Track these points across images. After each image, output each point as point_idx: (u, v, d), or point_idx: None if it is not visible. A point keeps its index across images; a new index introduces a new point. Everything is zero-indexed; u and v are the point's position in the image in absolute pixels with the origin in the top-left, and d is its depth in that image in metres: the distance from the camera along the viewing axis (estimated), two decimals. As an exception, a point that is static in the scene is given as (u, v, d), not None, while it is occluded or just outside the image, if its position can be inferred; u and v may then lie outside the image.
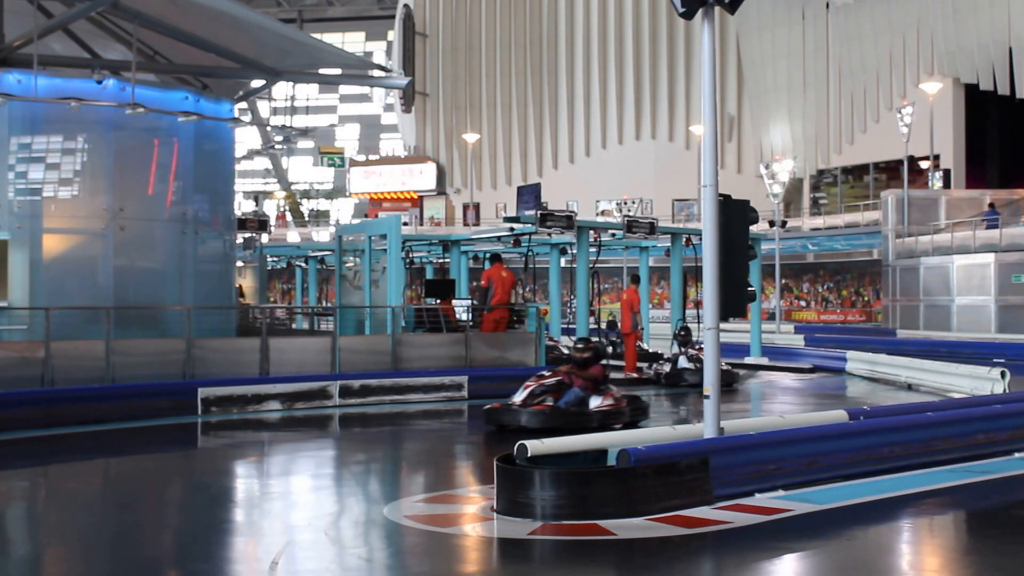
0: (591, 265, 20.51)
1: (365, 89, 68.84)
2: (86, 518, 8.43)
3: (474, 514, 8.10)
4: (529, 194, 41.78)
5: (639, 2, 57.80)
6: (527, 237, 20.33)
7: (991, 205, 35.79)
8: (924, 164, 44.84)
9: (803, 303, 51.47)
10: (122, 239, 16.32)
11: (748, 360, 23.06)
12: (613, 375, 19.76)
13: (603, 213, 54.33)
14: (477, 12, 60.30)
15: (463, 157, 60.07)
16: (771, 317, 38.47)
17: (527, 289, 27.62)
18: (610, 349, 22.97)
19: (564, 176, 58.66)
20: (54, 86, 15.53)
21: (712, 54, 8.70)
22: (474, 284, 19.36)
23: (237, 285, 20.94)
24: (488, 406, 13.26)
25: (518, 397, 12.98)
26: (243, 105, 23.06)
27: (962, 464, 10.03)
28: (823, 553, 7.12)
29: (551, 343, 22.02)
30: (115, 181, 16.35)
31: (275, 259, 34.65)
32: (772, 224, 36.74)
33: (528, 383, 13.13)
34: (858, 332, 36.62)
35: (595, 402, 13.08)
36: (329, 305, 28.35)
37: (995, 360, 21.52)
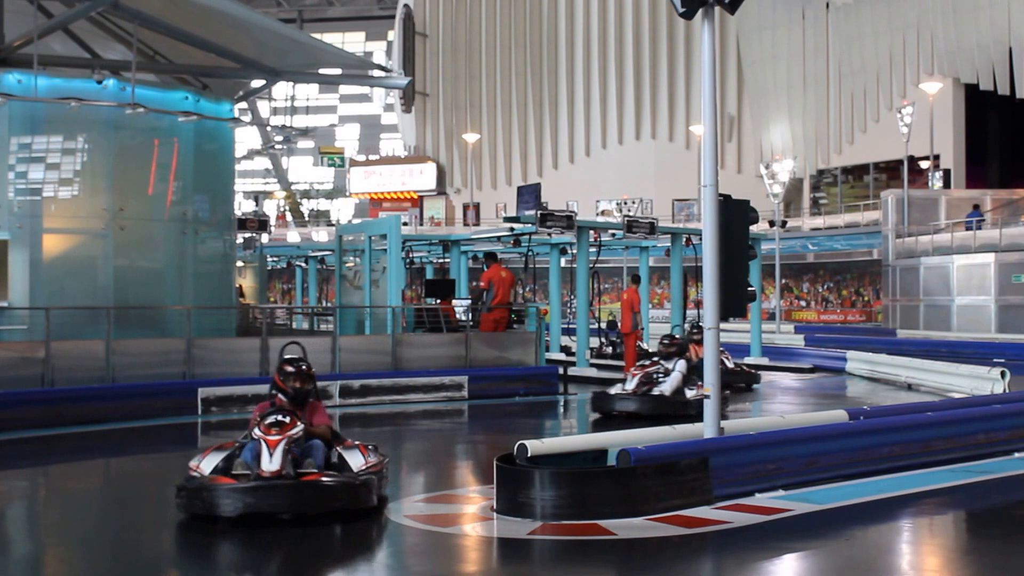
0: (591, 265, 20.55)
1: (365, 89, 68.82)
2: (86, 518, 8.43)
3: (474, 514, 8.09)
4: (529, 194, 41.73)
5: (639, 2, 57.75)
6: (527, 237, 20.34)
7: (975, 207, 35.77)
8: (924, 164, 44.78)
9: (803, 303, 51.39)
10: (122, 239, 16.27)
11: (748, 360, 22.95)
12: (613, 375, 19.80)
13: (603, 213, 54.33)
14: (477, 12, 60.26)
15: (463, 157, 60.02)
16: (771, 317, 38.42)
17: (527, 289, 27.58)
18: (610, 349, 23.00)
19: (564, 176, 58.59)
20: (54, 86, 15.48)
21: (712, 54, 8.69)
22: (474, 284, 19.25)
23: (237, 285, 20.79)
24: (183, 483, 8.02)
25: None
26: (243, 105, 23.05)
27: (962, 464, 10.02)
28: (823, 553, 7.11)
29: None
30: (115, 181, 16.29)
31: (275, 259, 34.63)
32: (772, 224, 36.74)
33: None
34: (858, 332, 36.57)
35: (355, 461, 8.19)
36: (329, 305, 28.33)
37: (995, 360, 21.50)
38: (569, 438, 9.06)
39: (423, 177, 61.71)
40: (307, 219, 68.08)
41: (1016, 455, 10.66)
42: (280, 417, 7.99)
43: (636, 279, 21.18)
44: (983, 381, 16.14)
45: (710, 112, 8.83)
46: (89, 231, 16.24)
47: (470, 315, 18.02)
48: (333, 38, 64.80)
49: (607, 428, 13.20)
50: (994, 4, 43.10)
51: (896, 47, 48.40)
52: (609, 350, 22.90)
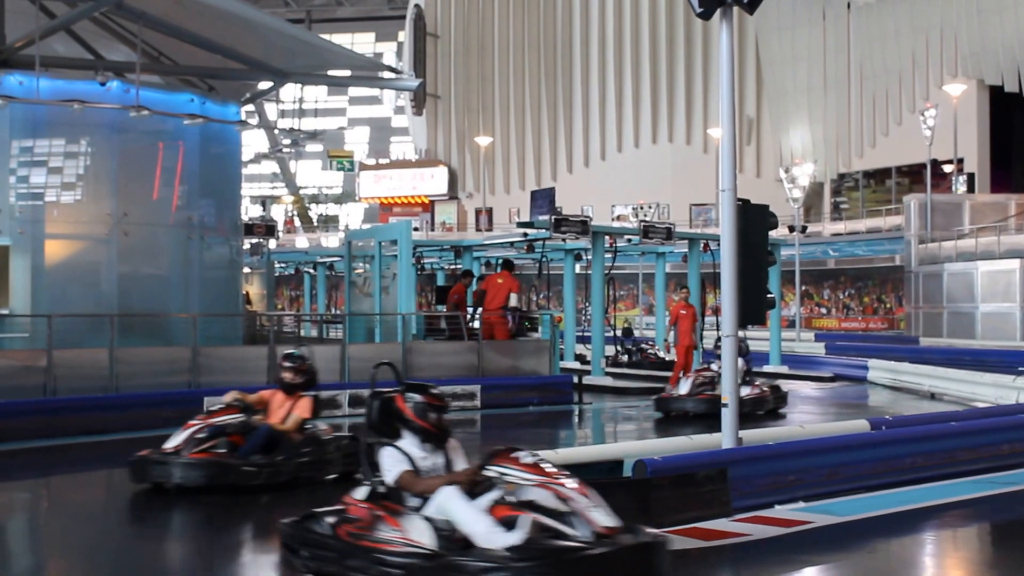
0: (606, 271, 20.46)
1: (375, 91, 69.15)
2: (89, 530, 8.32)
3: (487, 527, 7.98)
4: (543, 198, 41.51)
5: (656, 2, 57.67)
6: (541, 243, 20.23)
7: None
8: (947, 168, 44.54)
9: (824, 310, 51.22)
10: (126, 245, 16.17)
11: (767, 368, 22.91)
12: (629, 384, 19.49)
13: (619, 218, 54.04)
14: (490, 12, 60.21)
15: (475, 161, 59.93)
16: (791, 325, 38.19)
17: (541, 296, 27.34)
18: (625, 357, 22.72)
19: (579, 180, 58.49)
20: (56, 88, 15.41)
21: (730, 55, 8.63)
22: (475, 291, 19.02)
23: (244, 292, 20.96)
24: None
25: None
26: (250, 107, 23.05)
27: (986, 475, 9.87)
28: (844, 566, 7.03)
29: None
30: (119, 185, 16.22)
31: (283, 265, 34.74)
32: (792, 229, 36.45)
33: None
34: (880, 340, 36.48)
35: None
36: (338, 312, 28.25)
37: (1020, 369, 21.11)
38: (584, 448, 8.92)
39: (434, 181, 61.69)
40: (316, 224, 67.99)
41: (1042, 466, 10.51)
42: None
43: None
44: (1008, 390, 16.06)
45: (728, 115, 8.79)
46: (92, 237, 16.16)
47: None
48: (342, 39, 64.51)
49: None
50: (1019, 4, 43.02)
51: (919, 48, 48.19)
52: (625, 358, 22.67)
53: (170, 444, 8.74)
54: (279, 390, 9.72)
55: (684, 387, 15.45)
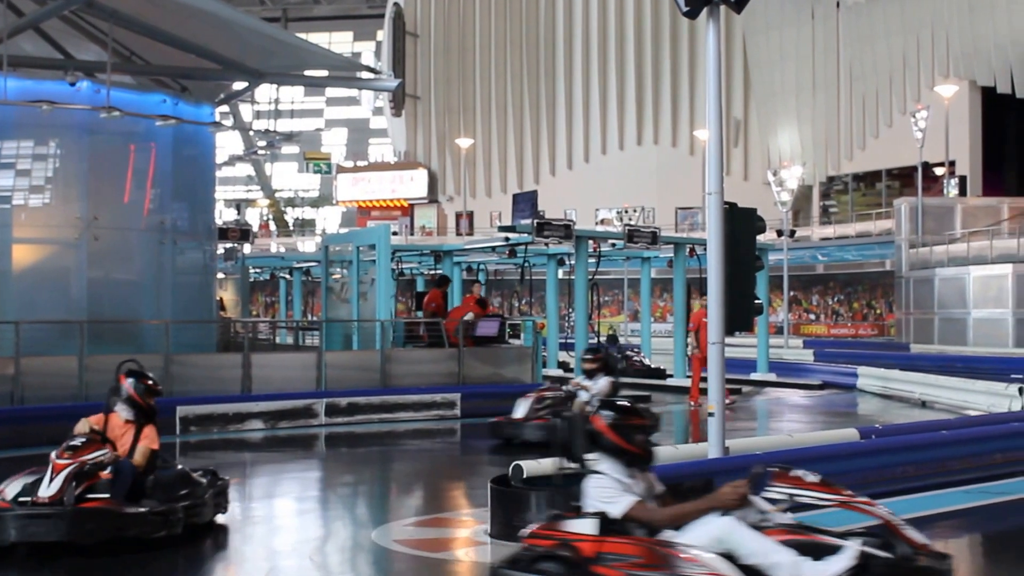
0: (590, 276, 20.20)
1: (353, 92, 68.88)
2: (57, 545, 7.89)
3: (467, 538, 8.08)
4: (525, 202, 41.36)
5: (640, 0, 57.33)
6: (523, 247, 20.18)
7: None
8: (939, 171, 44.39)
9: (812, 316, 51.14)
10: (96, 250, 15.95)
11: (755, 376, 22.80)
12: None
13: (603, 222, 53.91)
14: (471, 11, 60.02)
15: (456, 163, 59.66)
16: (779, 331, 38.06)
17: (523, 302, 27.08)
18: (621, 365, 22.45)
19: (562, 183, 58.29)
20: (24, 88, 15.17)
21: (717, 55, 8.49)
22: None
23: (218, 298, 20.72)
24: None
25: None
26: (224, 108, 22.94)
27: (978, 484, 9.81)
28: None
29: None
30: (89, 188, 16.01)
31: (258, 270, 34.56)
32: (780, 233, 36.18)
33: None
34: (870, 347, 36.43)
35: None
36: (315, 319, 28.12)
37: (1013, 376, 20.99)
38: (568, 458, 8.57)
39: (414, 184, 61.47)
40: (292, 228, 67.60)
41: (1034, 475, 10.43)
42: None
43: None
44: (1000, 398, 15.94)
45: (715, 116, 8.64)
46: (61, 241, 15.96)
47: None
48: (319, 38, 63.91)
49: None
50: (1012, 3, 43.03)
51: (910, 48, 48.20)
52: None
53: (44, 492, 7.12)
54: (113, 414, 7.88)
55: (521, 410, 13.41)
